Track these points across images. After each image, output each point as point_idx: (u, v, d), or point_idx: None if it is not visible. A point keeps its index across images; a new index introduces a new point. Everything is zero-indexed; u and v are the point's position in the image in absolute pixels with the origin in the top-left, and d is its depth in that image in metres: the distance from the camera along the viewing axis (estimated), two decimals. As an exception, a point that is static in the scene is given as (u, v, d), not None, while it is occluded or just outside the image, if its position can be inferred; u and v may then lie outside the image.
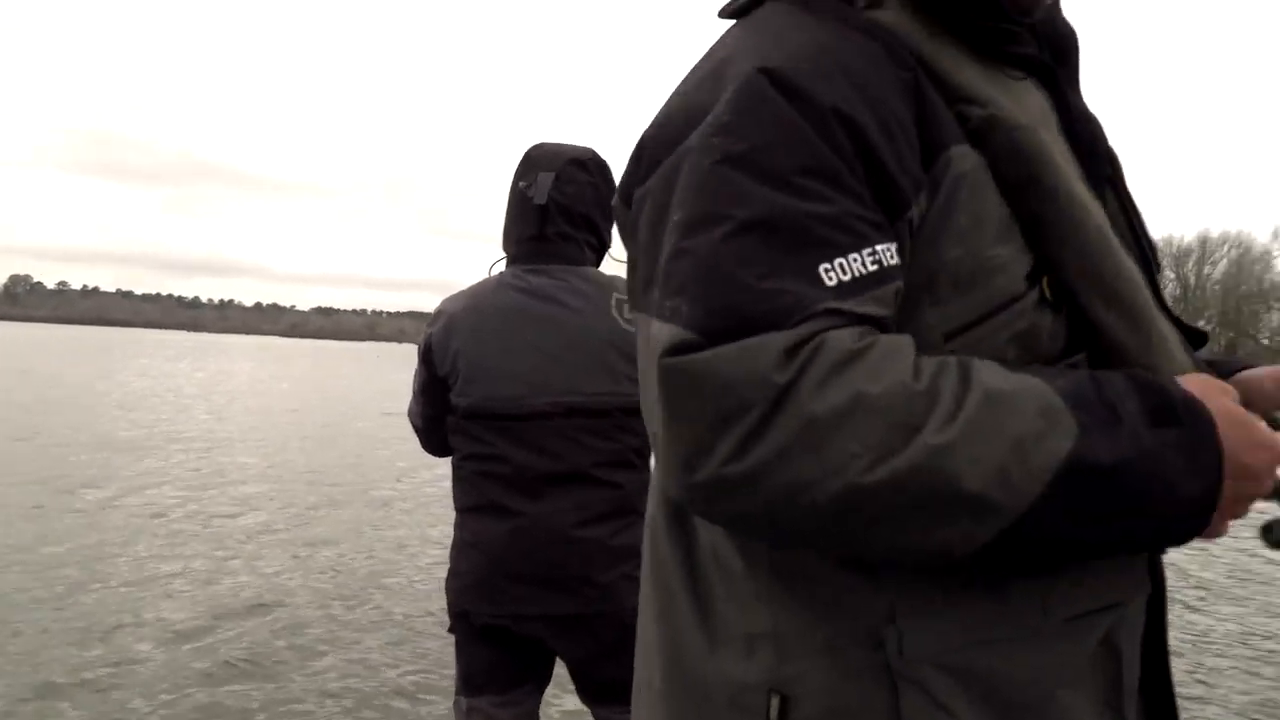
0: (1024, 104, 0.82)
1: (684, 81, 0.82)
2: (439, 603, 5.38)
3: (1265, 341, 53.77)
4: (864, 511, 0.65)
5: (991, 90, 0.80)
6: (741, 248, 0.69)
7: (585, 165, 2.03)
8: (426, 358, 2.05)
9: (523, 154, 2.07)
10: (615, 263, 2.11)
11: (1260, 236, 64.22)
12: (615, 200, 0.86)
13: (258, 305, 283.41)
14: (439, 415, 2.06)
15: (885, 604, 0.75)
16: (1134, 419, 0.68)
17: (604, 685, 2.00)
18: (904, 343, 0.69)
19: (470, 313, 2.00)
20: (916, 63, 0.78)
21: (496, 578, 1.95)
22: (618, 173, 2.10)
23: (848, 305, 0.68)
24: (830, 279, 0.68)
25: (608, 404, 1.94)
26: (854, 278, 0.69)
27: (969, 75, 0.80)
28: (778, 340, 0.66)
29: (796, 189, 0.70)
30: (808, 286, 0.68)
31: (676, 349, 0.68)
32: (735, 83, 0.74)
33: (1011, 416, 0.66)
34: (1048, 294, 0.78)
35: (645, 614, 0.92)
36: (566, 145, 2.07)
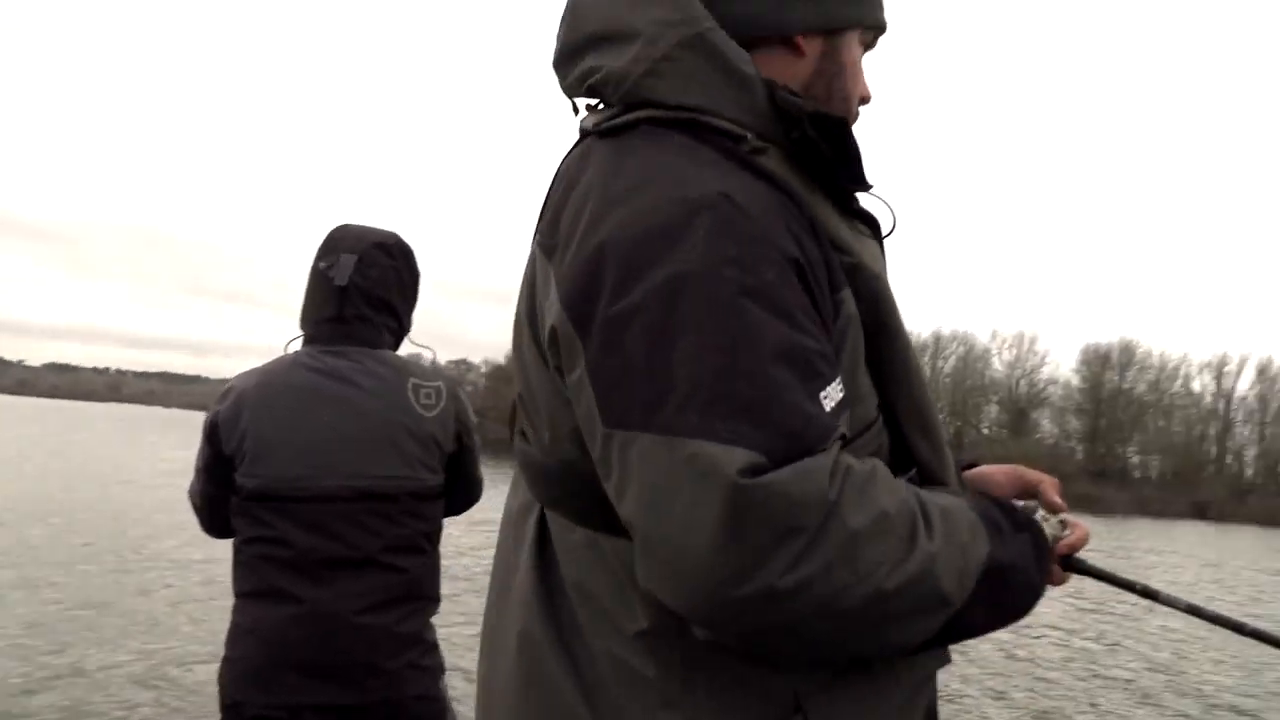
0: (872, 255, 0.93)
1: (615, 201, 0.83)
2: (167, 694, 4.93)
3: (986, 431, 60.39)
4: (882, 611, 0.76)
5: (852, 241, 0.91)
6: (783, 377, 0.75)
7: (389, 250, 2.04)
8: (212, 435, 1.97)
9: (326, 234, 2.06)
10: (415, 346, 2.15)
11: (981, 336, 72.37)
12: (559, 316, 0.83)
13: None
14: (221, 495, 1.98)
15: (790, 692, 0.84)
16: (1007, 528, 0.88)
17: None
18: (885, 468, 0.83)
19: (262, 391, 1.96)
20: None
21: (273, 666, 1.87)
22: (422, 256, 2.13)
23: (842, 427, 0.79)
24: (827, 405, 0.78)
25: (399, 488, 1.93)
26: (836, 404, 0.79)
27: (835, 225, 0.90)
28: (825, 462, 0.75)
29: (798, 325, 0.78)
30: (821, 411, 0.77)
31: (752, 470, 0.72)
32: (708, 211, 0.79)
33: (958, 529, 0.82)
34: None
35: None
36: (371, 228, 2.08)
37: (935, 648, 0.86)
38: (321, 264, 2.01)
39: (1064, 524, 1.01)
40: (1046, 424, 66.03)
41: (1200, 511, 52.26)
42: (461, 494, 2.12)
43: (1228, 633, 1.04)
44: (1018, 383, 65.38)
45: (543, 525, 0.95)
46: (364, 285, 1.99)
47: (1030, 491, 1.05)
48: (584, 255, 0.82)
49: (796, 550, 0.72)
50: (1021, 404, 63.76)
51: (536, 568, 0.94)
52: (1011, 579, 0.86)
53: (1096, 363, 67.24)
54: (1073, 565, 1.00)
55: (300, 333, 2.06)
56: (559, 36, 0.98)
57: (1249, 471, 66.90)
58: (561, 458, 0.90)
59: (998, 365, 63.29)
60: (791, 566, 0.72)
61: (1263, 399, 66.97)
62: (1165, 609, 1.06)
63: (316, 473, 1.90)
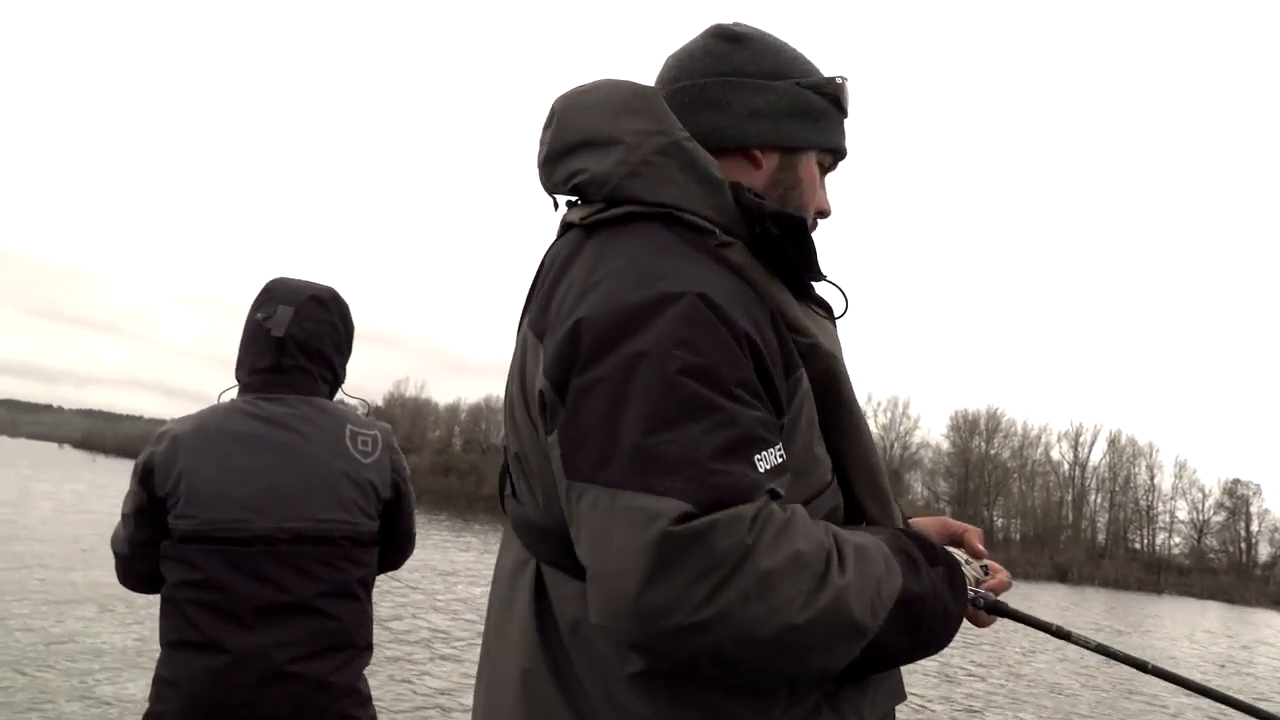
0: (829, 335, 1.05)
1: (593, 285, 0.95)
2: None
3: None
4: (797, 639, 0.85)
5: (810, 324, 1.02)
6: (714, 441, 0.86)
7: (326, 304, 2.12)
8: (145, 479, 1.96)
9: (263, 286, 2.13)
10: (348, 398, 2.24)
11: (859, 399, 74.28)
12: (544, 383, 0.94)
13: None
14: (150, 540, 1.97)
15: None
16: (921, 561, 0.97)
17: None
18: (805, 511, 0.91)
19: (199, 435, 1.98)
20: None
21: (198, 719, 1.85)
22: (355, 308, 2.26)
23: (773, 485, 0.89)
24: (761, 466, 0.88)
25: (336, 531, 1.96)
26: (771, 466, 0.90)
27: (795, 311, 1.02)
28: (747, 511, 0.84)
29: (737, 397, 0.89)
30: (753, 471, 0.87)
31: (682, 518, 0.82)
32: (676, 303, 0.91)
33: (871, 564, 0.91)
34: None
35: None
36: (307, 282, 2.16)
37: (863, 674, 0.94)
38: (259, 315, 2.07)
39: (986, 569, 1.09)
40: (918, 486, 68.56)
41: (1061, 574, 54.75)
42: (396, 546, 2.16)
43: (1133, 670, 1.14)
44: (891, 445, 67.83)
45: (539, 577, 1.02)
46: (300, 337, 2.05)
47: (956, 539, 1.16)
48: (564, 332, 0.94)
49: (711, 587, 0.82)
50: (895, 465, 66.00)
51: (535, 614, 1.01)
52: (926, 608, 0.94)
53: (965, 429, 70.27)
54: (996, 608, 1.06)
55: (235, 383, 2.11)
56: (545, 141, 1.10)
57: (1100, 537, 70.74)
58: (558, 516, 0.97)
59: (873, 427, 64.82)
60: (708, 601, 0.82)
61: (1113, 469, 71.27)
62: (1076, 647, 1.21)
63: (253, 516, 1.91)
